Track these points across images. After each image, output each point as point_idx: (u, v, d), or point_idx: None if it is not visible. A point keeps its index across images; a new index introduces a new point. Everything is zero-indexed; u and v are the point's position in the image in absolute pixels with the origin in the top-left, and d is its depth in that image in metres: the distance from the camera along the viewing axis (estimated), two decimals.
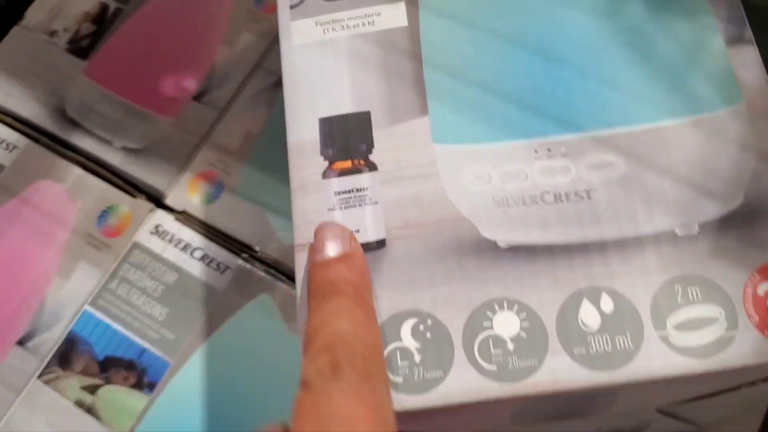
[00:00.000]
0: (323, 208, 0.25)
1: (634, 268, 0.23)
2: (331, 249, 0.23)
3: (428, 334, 0.22)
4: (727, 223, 0.23)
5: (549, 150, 0.24)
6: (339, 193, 0.25)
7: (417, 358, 0.22)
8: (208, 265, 0.43)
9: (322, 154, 0.25)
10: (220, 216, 0.44)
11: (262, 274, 0.42)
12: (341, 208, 0.24)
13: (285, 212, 0.39)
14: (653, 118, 0.24)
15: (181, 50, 0.49)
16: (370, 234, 0.24)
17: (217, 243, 0.43)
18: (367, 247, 0.24)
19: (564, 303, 0.22)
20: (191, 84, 0.48)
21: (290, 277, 0.42)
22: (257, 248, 0.43)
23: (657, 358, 0.22)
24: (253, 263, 0.43)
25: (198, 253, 0.43)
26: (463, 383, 0.22)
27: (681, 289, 0.22)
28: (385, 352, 0.22)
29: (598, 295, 0.22)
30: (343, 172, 0.25)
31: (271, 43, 0.48)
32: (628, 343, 0.22)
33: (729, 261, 0.23)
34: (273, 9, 0.49)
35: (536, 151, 0.24)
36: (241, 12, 0.49)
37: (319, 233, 0.24)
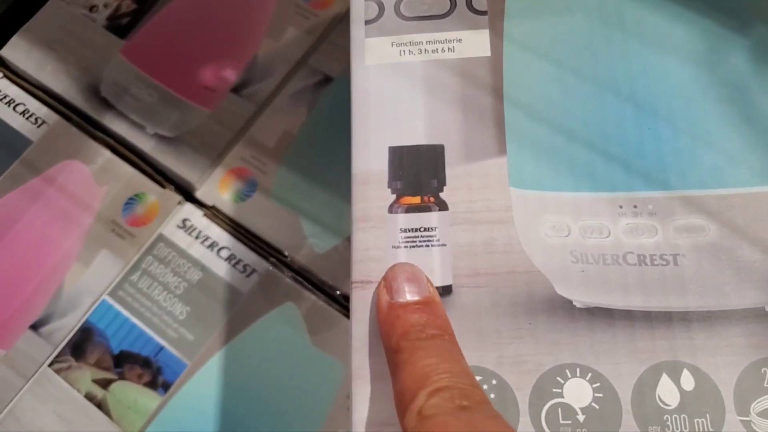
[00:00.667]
0: (387, 245, 0.23)
1: (719, 345, 0.21)
2: (411, 293, 0.22)
3: (492, 395, 0.21)
4: None
5: (635, 207, 0.23)
6: (405, 230, 0.23)
7: None
8: (234, 266, 0.41)
9: (389, 186, 0.24)
10: (250, 215, 0.43)
11: (290, 281, 0.41)
12: (406, 246, 0.23)
13: (318, 218, 0.37)
14: (749, 182, 0.23)
15: (223, 38, 0.47)
16: (436, 279, 0.22)
17: (245, 244, 0.42)
18: None
19: (642, 375, 0.21)
20: (231, 74, 0.46)
21: (317, 287, 0.40)
22: (287, 253, 0.41)
23: None
24: (281, 268, 0.41)
25: (225, 253, 0.42)
26: None
27: None
28: None
29: (679, 370, 0.21)
30: (411, 209, 0.23)
31: (317, 41, 0.46)
32: (707, 427, 0.20)
33: None
34: (321, 5, 0.47)
35: (621, 207, 0.23)
36: (289, 6, 0.47)
37: (396, 274, 0.22)
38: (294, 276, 0.41)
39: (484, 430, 0.18)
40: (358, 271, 0.23)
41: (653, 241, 0.22)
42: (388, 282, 0.22)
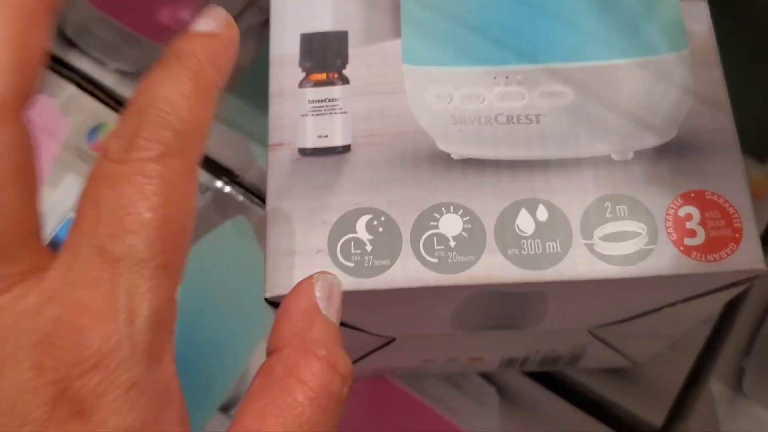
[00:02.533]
0: (297, 114, 0.27)
1: (571, 186, 0.25)
2: (202, 24, 0.22)
3: (380, 229, 0.25)
4: (659, 153, 0.26)
5: (507, 77, 0.27)
6: (312, 101, 0.27)
7: (368, 248, 0.25)
8: None
9: (300, 66, 0.28)
10: None
11: (240, 197, 0.45)
12: (313, 114, 0.27)
13: (266, 142, 0.41)
14: (604, 56, 0.27)
15: None
16: (337, 139, 0.26)
17: (200, 165, 0.46)
18: (334, 150, 0.26)
19: (504, 210, 0.25)
20: (186, 15, 0.50)
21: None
22: (237, 173, 0.45)
23: (581, 263, 0.24)
24: (232, 186, 0.45)
25: None
26: (407, 272, 0.24)
27: (610, 206, 0.25)
28: (340, 242, 0.25)
29: (535, 206, 0.25)
30: (318, 83, 0.27)
31: None
32: (557, 248, 0.24)
33: (657, 186, 0.25)
34: None
35: (495, 78, 0.27)
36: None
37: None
38: (245, 193, 0.45)
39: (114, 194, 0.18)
40: (273, 136, 0.27)
41: (521, 105, 0.26)
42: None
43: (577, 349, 0.35)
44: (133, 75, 0.48)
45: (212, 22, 0.22)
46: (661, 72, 0.27)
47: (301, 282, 0.22)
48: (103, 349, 0.17)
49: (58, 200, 0.45)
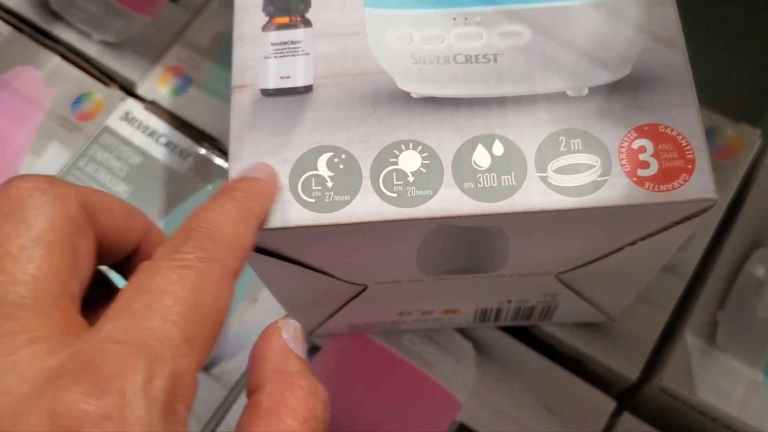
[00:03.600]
0: (260, 56, 0.27)
1: (526, 121, 0.26)
2: (249, 172, 0.26)
3: (341, 166, 0.25)
4: (614, 89, 0.26)
5: (465, 19, 0.27)
6: (275, 44, 0.27)
7: (329, 184, 0.25)
8: (171, 151, 0.46)
9: (264, 10, 0.28)
10: (186, 108, 0.47)
11: (221, 162, 0.45)
12: (276, 56, 0.27)
13: None
14: None
15: None
16: (299, 80, 0.27)
17: (182, 132, 0.46)
18: (296, 90, 0.27)
19: (461, 146, 0.25)
20: None
21: None
22: (218, 139, 0.46)
23: (536, 195, 0.25)
24: (213, 152, 0.45)
25: (163, 140, 0.46)
26: (366, 207, 0.25)
27: (565, 140, 0.25)
28: (301, 179, 0.25)
29: (491, 141, 0.25)
30: (281, 27, 0.28)
31: None
32: (512, 181, 0.25)
33: (611, 120, 0.26)
34: None
35: (454, 19, 0.27)
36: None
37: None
38: (225, 158, 0.45)
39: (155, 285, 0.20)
40: (236, 78, 0.27)
41: (479, 45, 0.27)
42: None
43: (548, 299, 0.35)
44: (117, 46, 0.49)
45: (258, 171, 0.25)
46: (615, 12, 0.27)
47: (268, 328, 0.23)
48: (118, 403, 0.17)
49: (44, 168, 0.46)
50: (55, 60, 0.49)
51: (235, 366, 0.41)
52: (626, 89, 0.26)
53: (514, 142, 0.25)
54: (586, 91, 0.26)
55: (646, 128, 0.26)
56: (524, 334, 0.41)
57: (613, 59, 0.26)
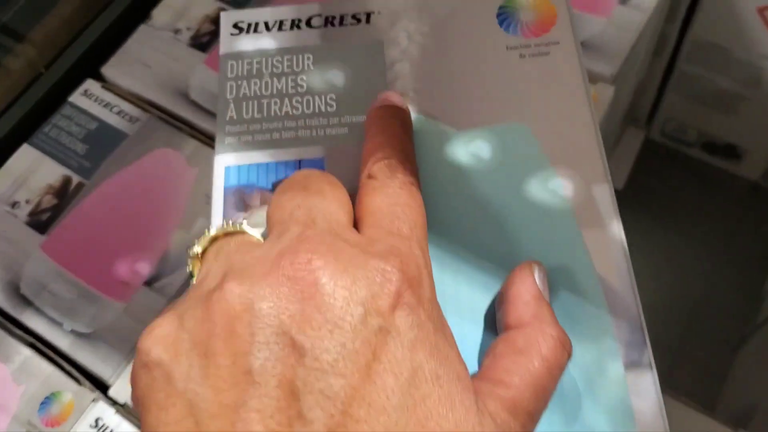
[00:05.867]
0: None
1: None
2: (393, 97, 0.30)
3: None
4: None
5: None
6: None
7: None
8: None
9: None
10: None
11: None
12: None
13: None
14: None
15: (137, 232, 0.49)
16: None
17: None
18: None
19: None
20: (144, 268, 0.48)
21: None
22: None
23: None
24: None
25: None
26: None
27: None
28: None
29: None
30: None
31: None
32: None
33: None
34: None
35: None
36: (200, 197, 0.50)
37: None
38: None
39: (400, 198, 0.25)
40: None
41: None
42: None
43: None
44: (89, 336, 0.47)
45: (394, 98, 0.30)
46: None
47: (522, 269, 0.26)
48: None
49: None
50: (25, 352, 0.47)
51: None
52: None
53: None
54: None
55: None
56: None
57: None
